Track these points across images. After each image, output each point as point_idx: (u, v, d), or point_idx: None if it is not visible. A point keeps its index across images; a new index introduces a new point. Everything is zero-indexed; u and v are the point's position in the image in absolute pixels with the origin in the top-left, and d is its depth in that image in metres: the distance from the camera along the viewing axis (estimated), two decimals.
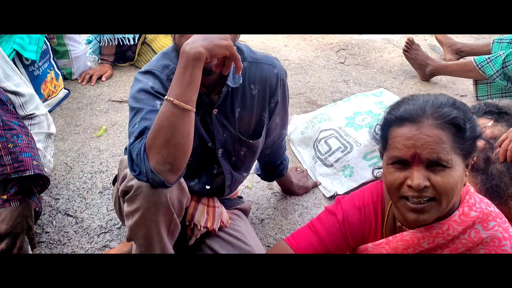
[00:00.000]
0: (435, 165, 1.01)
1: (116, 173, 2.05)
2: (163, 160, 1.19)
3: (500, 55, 2.55)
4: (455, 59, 3.14)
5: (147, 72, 1.38)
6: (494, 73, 2.55)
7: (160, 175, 1.19)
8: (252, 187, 2.10)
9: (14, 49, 2.22)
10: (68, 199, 1.98)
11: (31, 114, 1.78)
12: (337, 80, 3.01)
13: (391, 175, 1.06)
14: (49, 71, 2.48)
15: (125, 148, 1.70)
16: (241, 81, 1.44)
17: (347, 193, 2.04)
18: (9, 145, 1.53)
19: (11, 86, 1.74)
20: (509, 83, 2.53)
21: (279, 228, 1.92)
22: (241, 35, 1.43)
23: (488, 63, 2.59)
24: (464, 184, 1.08)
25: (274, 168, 1.88)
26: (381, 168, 1.15)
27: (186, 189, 1.37)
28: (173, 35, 1.37)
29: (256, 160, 1.74)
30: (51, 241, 1.81)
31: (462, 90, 3.02)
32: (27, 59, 2.32)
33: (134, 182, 1.27)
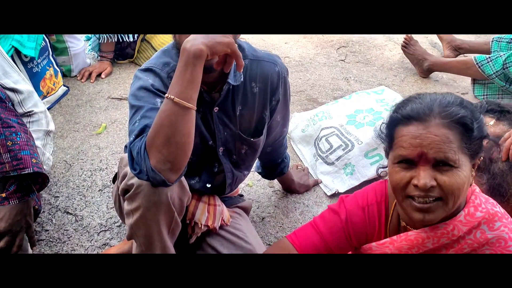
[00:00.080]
0: (442, 164, 1.00)
1: (116, 171, 2.05)
2: (163, 158, 1.18)
3: (501, 56, 2.56)
4: (453, 55, 3.14)
5: (147, 70, 1.37)
6: (494, 73, 2.55)
7: (161, 174, 1.18)
8: (253, 185, 2.10)
9: (13, 46, 2.21)
10: (67, 197, 1.97)
11: (30, 112, 1.77)
12: (338, 78, 3.00)
13: (397, 174, 1.04)
14: (48, 68, 2.47)
15: (125, 146, 1.69)
16: (242, 79, 1.43)
17: (348, 191, 2.03)
18: (8, 143, 1.51)
19: (10, 83, 1.73)
20: (507, 84, 2.53)
21: (280, 226, 1.91)
22: None
23: (488, 62, 2.59)
24: (470, 185, 1.07)
25: (275, 166, 1.87)
26: (386, 167, 1.14)
27: (187, 187, 1.36)
28: None
29: (257, 158, 1.73)
30: (50, 239, 1.80)
31: (464, 88, 3.00)
32: (26, 56, 2.30)
33: (135, 180, 1.26)
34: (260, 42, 3.38)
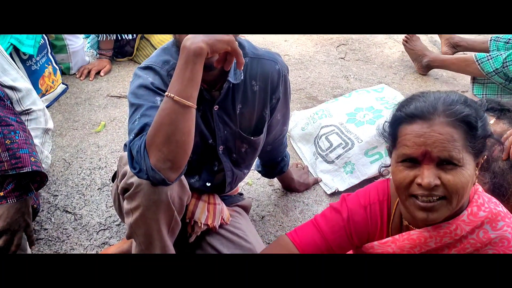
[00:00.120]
0: (446, 163, 0.99)
1: (115, 170, 2.04)
2: (163, 157, 1.17)
3: (501, 54, 2.57)
4: (451, 52, 3.15)
5: (147, 68, 1.36)
6: (493, 70, 2.56)
7: (161, 172, 1.17)
8: (253, 183, 2.09)
9: (12, 44, 2.20)
10: (66, 195, 1.96)
11: (28, 110, 1.76)
12: (338, 76, 2.99)
13: (401, 173, 1.04)
14: (47, 65, 2.45)
15: (125, 145, 1.68)
16: (242, 77, 1.42)
17: (348, 190, 2.03)
18: (6, 141, 1.50)
19: (8, 80, 1.72)
20: (506, 82, 2.54)
21: (280, 225, 1.90)
22: None
23: (488, 60, 2.60)
24: (474, 184, 1.06)
25: (275, 164, 1.86)
26: (388, 166, 1.13)
27: (187, 186, 1.35)
28: None
29: (257, 157, 1.72)
30: (49, 238, 1.79)
31: (463, 86, 3.00)
32: (24, 54, 2.29)
33: (134, 179, 1.25)
34: (259, 40, 3.36)
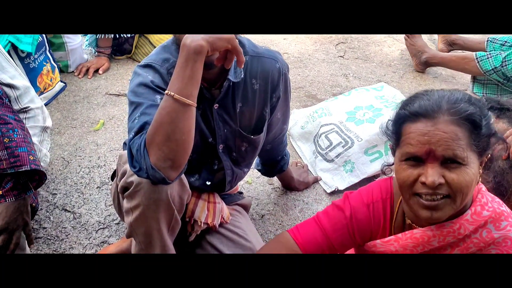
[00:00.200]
0: (451, 162, 0.99)
1: (114, 168, 2.03)
2: (163, 156, 1.16)
3: (500, 53, 2.59)
4: (446, 50, 3.17)
5: (146, 66, 1.35)
6: (492, 69, 2.58)
7: (161, 171, 1.17)
8: (252, 182, 2.08)
9: (10, 41, 2.18)
10: (65, 194, 1.95)
11: (26, 108, 1.75)
12: (337, 74, 2.98)
13: (404, 171, 1.03)
14: (45, 63, 2.44)
15: (124, 143, 1.67)
16: (242, 76, 1.41)
17: (348, 188, 2.02)
18: (4, 140, 1.49)
19: (7, 78, 1.71)
20: (504, 81, 2.55)
21: (280, 224, 1.90)
22: None
23: (488, 58, 2.62)
24: (478, 183, 1.06)
25: (274, 163, 1.86)
26: (390, 164, 1.12)
27: (187, 185, 1.34)
28: None
29: (257, 156, 1.72)
30: (48, 237, 1.78)
31: (462, 84, 3.00)
32: (22, 52, 2.27)
33: (134, 178, 1.24)
34: (258, 38, 3.35)
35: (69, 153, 2.16)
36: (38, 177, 1.58)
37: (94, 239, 1.79)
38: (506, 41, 2.71)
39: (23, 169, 1.49)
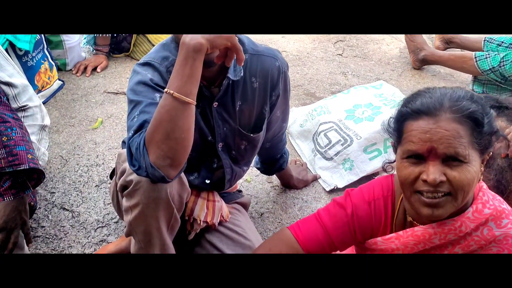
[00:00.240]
0: (452, 160, 0.98)
1: (112, 166, 2.02)
2: (163, 154, 1.16)
3: (499, 54, 2.62)
4: (443, 48, 3.19)
5: (145, 64, 1.34)
6: (490, 69, 2.61)
7: (160, 170, 1.16)
8: (251, 180, 2.08)
9: (7, 39, 2.17)
10: (64, 192, 1.94)
11: (24, 106, 1.74)
12: (335, 72, 2.98)
13: (406, 169, 1.03)
14: (43, 61, 2.43)
15: (123, 141, 1.66)
16: (242, 74, 1.41)
17: (347, 186, 2.02)
18: (3, 138, 1.48)
19: (5, 76, 1.70)
20: (502, 81, 2.57)
21: (279, 222, 1.90)
22: None
23: (486, 58, 2.64)
24: (479, 180, 1.06)
25: (274, 161, 1.85)
26: (391, 162, 1.12)
27: (187, 183, 1.34)
28: None
29: (256, 154, 1.71)
30: (47, 236, 1.77)
31: (461, 82, 3.00)
32: (20, 50, 2.26)
33: (134, 176, 1.24)
34: (256, 36, 3.34)
35: (67, 151, 2.15)
36: (36, 175, 1.57)
37: (92, 237, 1.78)
38: (503, 42, 2.74)
39: (22, 168, 1.48)
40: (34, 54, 2.35)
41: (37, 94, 2.19)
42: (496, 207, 1.06)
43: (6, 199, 1.49)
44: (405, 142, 1.04)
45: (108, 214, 1.86)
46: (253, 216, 1.91)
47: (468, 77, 2.90)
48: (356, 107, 2.23)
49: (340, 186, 2.03)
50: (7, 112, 1.55)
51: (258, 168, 1.93)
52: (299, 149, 2.28)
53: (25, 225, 1.56)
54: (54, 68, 2.56)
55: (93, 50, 2.89)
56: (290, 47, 3.25)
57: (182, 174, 1.30)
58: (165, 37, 1.45)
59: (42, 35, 2.46)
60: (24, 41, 2.22)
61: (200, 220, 1.52)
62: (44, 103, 2.39)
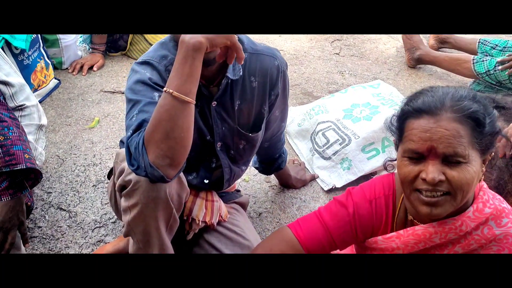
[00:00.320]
0: (452, 159, 0.99)
1: (110, 166, 2.01)
2: (162, 154, 1.15)
3: (494, 57, 2.67)
4: (437, 47, 3.22)
5: (144, 63, 1.33)
6: (485, 72, 2.64)
7: (160, 169, 1.15)
8: (249, 180, 2.07)
9: (3, 38, 2.15)
10: (60, 192, 1.93)
11: (22, 105, 1.72)
12: (333, 71, 2.98)
13: (406, 167, 1.03)
14: (39, 60, 2.41)
15: (120, 141, 1.65)
16: (241, 73, 1.40)
17: (345, 186, 2.02)
18: None
19: (2, 75, 1.68)
20: (497, 84, 2.60)
21: (277, 222, 1.89)
22: None
23: (483, 61, 2.68)
24: (480, 180, 1.06)
25: (272, 161, 1.85)
26: (393, 160, 1.12)
27: (186, 183, 1.33)
28: None
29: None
30: (44, 236, 1.76)
31: (457, 82, 3.00)
32: (16, 48, 2.24)
33: (132, 176, 1.23)
34: (253, 35, 3.34)
35: (64, 151, 2.14)
36: (33, 175, 1.56)
37: (90, 238, 1.77)
38: (496, 45, 2.78)
39: (18, 168, 1.47)
40: (30, 53, 2.33)
41: (33, 93, 2.17)
42: (496, 206, 1.06)
43: (4, 199, 1.48)
44: (405, 140, 1.04)
45: (105, 214, 1.85)
46: (251, 216, 1.90)
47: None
48: (354, 107, 2.23)
49: (338, 185, 2.03)
50: (4, 111, 1.54)
51: (256, 168, 1.92)
52: (297, 148, 2.28)
53: (22, 226, 1.55)
54: (50, 67, 2.54)
55: (89, 49, 2.87)
56: (287, 46, 3.24)
57: (181, 174, 1.29)
58: (162, 36, 1.44)
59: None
60: (20, 39, 2.20)
61: (199, 220, 1.51)
62: (40, 102, 2.37)
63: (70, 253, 1.71)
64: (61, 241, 1.75)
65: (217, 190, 1.62)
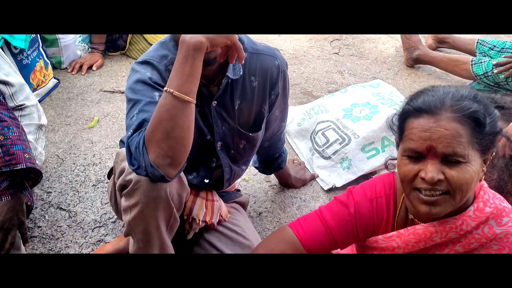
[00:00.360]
0: (451, 159, 0.99)
1: (109, 166, 2.01)
2: (163, 153, 1.15)
3: (492, 59, 2.68)
4: (434, 46, 3.23)
5: (144, 63, 1.33)
6: (483, 73, 2.66)
7: (160, 169, 1.15)
8: (249, 179, 2.08)
9: (2, 37, 2.14)
10: (60, 192, 1.93)
11: (21, 105, 1.72)
12: (332, 71, 2.98)
13: (405, 166, 1.04)
14: (38, 60, 2.41)
15: (120, 141, 1.65)
16: (241, 73, 1.40)
17: (345, 185, 2.02)
18: None
19: (1, 75, 1.68)
20: (495, 86, 2.62)
21: (277, 221, 1.89)
22: None
23: (481, 63, 2.70)
24: (480, 180, 1.06)
25: (272, 161, 1.85)
26: (395, 159, 1.13)
27: (186, 183, 1.33)
28: None
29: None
30: (43, 236, 1.76)
31: (456, 82, 3.01)
32: (15, 48, 2.24)
33: (133, 176, 1.23)
34: (252, 35, 3.34)
35: (63, 150, 2.14)
36: (34, 175, 1.56)
37: (90, 237, 1.77)
38: (495, 46, 2.79)
39: (19, 167, 1.47)
40: (29, 52, 2.33)
41: (32, 92, 2.17)
42: (497, 205, 1.07)
43: (4, 199, 1.48)
44: (405, 139, 1.05)
45: (105, 214, 1.85)
46: (251, 216, 1.90)
47: None
48: (353, 106, 2.23)
49: (338, 185, 2.03)
50: (3, 111, 1.54)
51: (256, 167, 1.92)
52: (297, 148, 2.28)
53: (22, 225, 1.55)
54: (50, 67, 2.54)
55: (88, 48, 2.86)
56: (287, 46, 3.24)
57: (182, 174, 1.29)
58: (162, 36, 1.44)
59: None
60: (19, 39, 2.20)
61: (199, 220, 1.51)
62: (39, 101, 2.36)
63: (70, 253, 1.70)
64: (61, 241, 1.75)
65: (217, 190, 1.62)
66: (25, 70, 2.30)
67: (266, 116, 1.54)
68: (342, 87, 2.73)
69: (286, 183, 2.03)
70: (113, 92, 2.58)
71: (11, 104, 1.67)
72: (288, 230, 1.21)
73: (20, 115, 1.70)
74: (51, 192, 1.93)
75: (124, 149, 1.26)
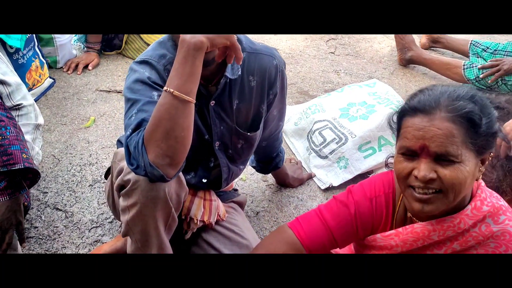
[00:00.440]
0: (444, 158, 1.00)
1: (106, 166, 2.01)
2: (162, 153, 1.15)
3: (486, 61, 2.73)
4: (428, 45, 3.26)
5: (143, 62, 1.33)
6: (474, 78, 2.70)
7: (159, 169, 1.15)
8: (247, 179, 2.08)
9: None
10: (56, 192, 1.92)
11: (19, 105, 1.71)
12: (328, 70, 2.99)
13: (400, 164, 1.06)
14: (33, 59, 2.39)
15: (118, 141, 1.65)
16: (239, 73, 1.40)
17: (342, 185, 2.03)
18: None
19: None
20: (487, 90, 2.67)
21: (275, 221, 1.90)
22: None
23: (472, 67, 2.73)
24: (477, 179, 1.07)
25: (270, 160, 1.85)
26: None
27: (184, 183, 1.33)
28: None
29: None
30: (40, 236, 1.75)
31: (451, 82, 3.03)
32: (11, 47, 2.23)
33: (131, 176, 1.23)
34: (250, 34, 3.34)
35: (59, 150, 2.13)
36: (31, 175, 1.55)
37: (87, 238, 1.76)
38: (488, 47, 2.81)
39: (16, 168, 1.46)
40: (25, 52, 2.32)
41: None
42: (494, 204, 1.08)
43: (2, 199, 1.47)
44: (401, 137, 1.06)
45: (102, 214, 1.84)
46: (249, 215, 1.90)
47: None
48: (350, 106, 2.24)
49: (335, 184, 2.04)
50: (0, 111, 1.53)
51: (253, 167, 1.92)
52: (294, 147, 2.28)
53: (20, 226, 1.54)
54: (45, 66, 2.53)
55: (84, 48, 2.85)
56: (283, 45, 3.25)
57: (180, 174, 1.29)
58: (158, 35, 1.44)
59: None
60: (15, 38, 2.18)
61: (197, 220, 1.51)
62: (35, 101, 2.35)
63: (67, 253, 1.70)
64: (57, 241, 1.74)
65: (215, 189, 1.62)
66: (21, 70, 2.29)
67: (264, 116, 1.54)
68: (338, 86, 2.73)
69: (283, 183, 2.03)
70: (109, 91, 2.57)
71: (8, 103, 1.66)
72: (288, 230, 1.21)
73: (17, 115, 1.69)
74: (47, 192, 1.92)
75: (122, 149, 1.26)
